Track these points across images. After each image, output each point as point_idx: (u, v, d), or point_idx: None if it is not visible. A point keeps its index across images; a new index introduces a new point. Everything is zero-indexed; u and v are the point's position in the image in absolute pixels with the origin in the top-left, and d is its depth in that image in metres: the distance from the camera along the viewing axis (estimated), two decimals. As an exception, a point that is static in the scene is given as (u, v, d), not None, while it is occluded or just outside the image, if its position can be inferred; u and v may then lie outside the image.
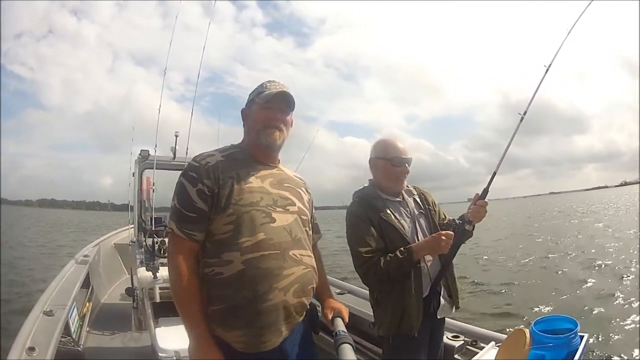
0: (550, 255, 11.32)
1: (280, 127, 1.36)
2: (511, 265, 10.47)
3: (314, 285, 1.34)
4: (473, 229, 1.80)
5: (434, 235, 1.71)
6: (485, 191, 1.76)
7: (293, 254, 1.27)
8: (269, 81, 1.39)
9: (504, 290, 7.83)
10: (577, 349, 1.36)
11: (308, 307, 1.33)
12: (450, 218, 1.88)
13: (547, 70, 1.86)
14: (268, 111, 1.34)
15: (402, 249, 1.68)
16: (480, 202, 1.74)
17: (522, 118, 1.83)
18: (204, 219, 1.23)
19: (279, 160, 1.45)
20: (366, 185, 1.92)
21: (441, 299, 1.80)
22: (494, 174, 1.79)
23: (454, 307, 1.85)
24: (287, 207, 1.33)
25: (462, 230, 1.75)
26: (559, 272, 9.02)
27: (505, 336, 1.94)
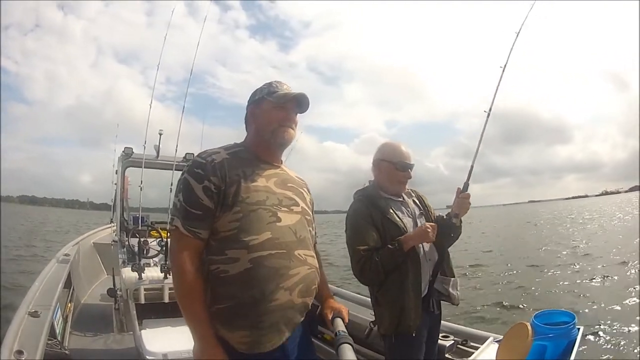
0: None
1: (294, 127, 1.38)
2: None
3: (317, 286, 1.34)
4: (460, 223, 1.86)
5: (419, 226, 1.81)
6: (466, 184, 1.83)
7: (298, 254, 1.26)
8: (277, 82, 1.40)
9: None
10: (576, 339, 1.44)
11: (309, 307, 1.32)
12: (438, 215, 1.95)
13: (504, 70, 1.96)
14: (283, 110, 1.34)
15: (392, 241, 1.74)
16: (462, 194, 1.81)
17: (488, 115, 1.92)
18: (210, 216, 1.21)
19: (282, 161, 1.46)
20: (367, 185, 1.96)
21: (449, 289, 1.85)
22: (472, 167, 1.86)
23: (454, 301, 1.89)
24: (292, 207, 1.33)
25: (450, 223, 1.81)
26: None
27: (494, 335, 1.97)
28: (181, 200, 1.22)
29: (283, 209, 1.29)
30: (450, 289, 1.86)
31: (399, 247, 1.72)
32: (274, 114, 1.34)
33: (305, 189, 1.47)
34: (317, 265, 1.36)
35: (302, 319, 1.29)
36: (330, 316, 1.39)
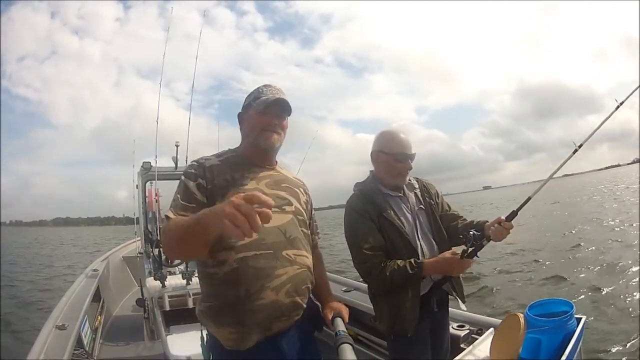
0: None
1: (278, 131, 1.39)
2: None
3: (309, 285, 1.34)
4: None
5: (447, 257, 1.63)
6: (514, 214, 1.65)
7: (287, 254, 1.27)
8: (265, 86, 1.42)
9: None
10: (574, 331, 1.33)
11: (304, 306, 1.33)
12: (468, 232, 1.66)
13: None
14: (265, 116, 1.36)
15: (412, 262, 1.61)
16: (506, 224, 1.63)
17: None
18: (202, 208, 1.19)
19: (277, 162, 1.48)
20: (368, 176, 1.85)
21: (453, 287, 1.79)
22: (528, 198, 1.70)
23: (459, 302, 1.82)
24: (284, 207, 1.34)
25: (480, 245, 1.64)
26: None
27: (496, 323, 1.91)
28: (178, 197, 1.27)
29: (274, 209, 1.29)
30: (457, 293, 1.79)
31: (418, 272, 1.60)
32: (257, 120, 1.37)
33: (302, 189, 1.48)
34: (310, 265, 1.36)
35: (296, 318, 1.30)
36: (330, 316, 1.41)
